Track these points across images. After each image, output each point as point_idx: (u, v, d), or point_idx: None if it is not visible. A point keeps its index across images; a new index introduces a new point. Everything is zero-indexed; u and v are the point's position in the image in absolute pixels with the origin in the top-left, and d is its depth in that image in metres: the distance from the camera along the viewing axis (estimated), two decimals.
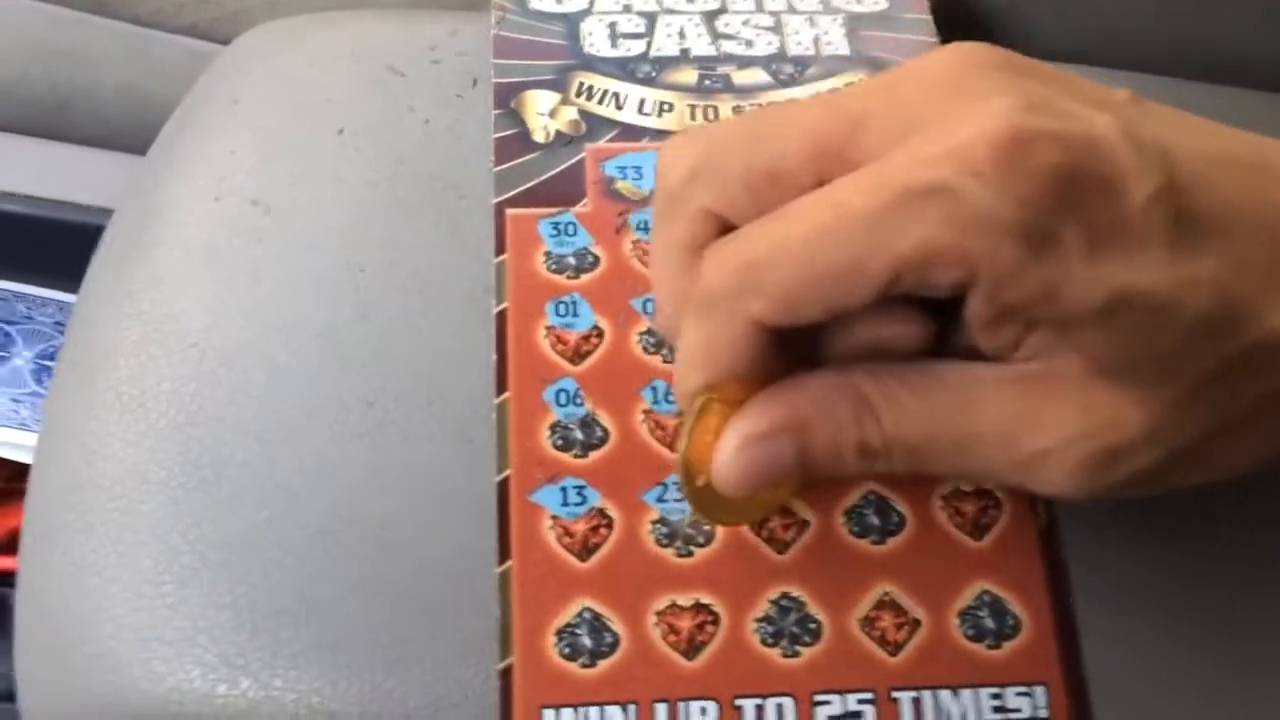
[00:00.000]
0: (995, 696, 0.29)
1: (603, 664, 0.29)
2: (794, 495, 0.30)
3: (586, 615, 0.29)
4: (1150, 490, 0.27)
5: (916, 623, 0.29)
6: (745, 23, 0.39)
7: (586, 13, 0.39)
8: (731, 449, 0.27)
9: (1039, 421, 0.26)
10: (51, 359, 0.62)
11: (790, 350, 0.28)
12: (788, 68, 0.38)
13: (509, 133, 0.36)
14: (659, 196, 0.29)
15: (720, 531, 0.30)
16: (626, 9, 0.39)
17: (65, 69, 0.56)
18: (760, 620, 0.29)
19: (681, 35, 0.38)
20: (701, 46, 0.38)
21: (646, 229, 0.34)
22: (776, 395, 0.27)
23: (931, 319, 0.27)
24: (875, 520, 0.30)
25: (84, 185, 0.56)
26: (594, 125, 0.36)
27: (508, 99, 0.36)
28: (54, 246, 0.57)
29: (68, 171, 0.57)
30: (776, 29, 0.39)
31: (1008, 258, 0.24)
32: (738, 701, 0.29)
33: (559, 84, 0.37)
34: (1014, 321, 0.25)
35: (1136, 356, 0.25)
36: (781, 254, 0.25)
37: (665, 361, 0.32)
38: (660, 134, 0.36)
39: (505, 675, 0.29)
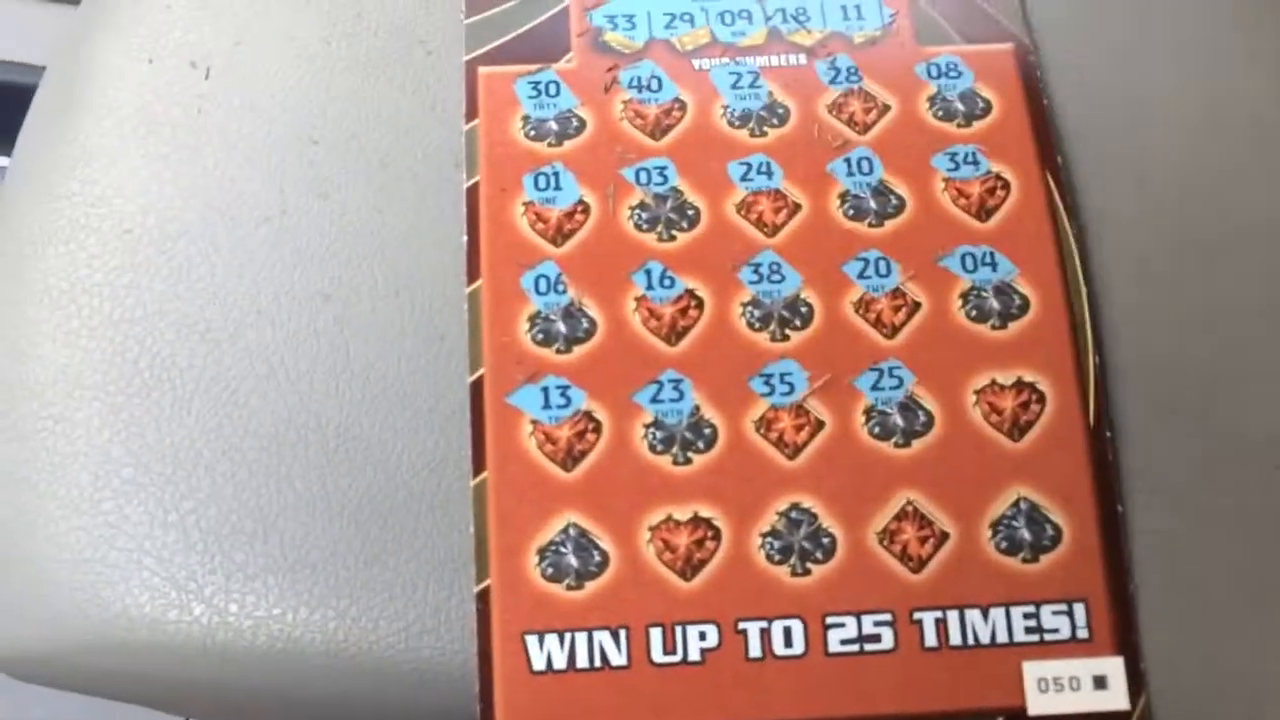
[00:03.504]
0: (1029, 616, 0.26)
1: (590, 586, 0.26)
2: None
3: (572, 532, 0.26)
4: None
5: (943, 535, 0.26)
6: None
7: None
8: None
9: None
10: None
11: None
12: None
13: None
14: None
15: (723, 434, 0.27)
16: None
17: None
18: (767, 535, 0.26)
19: None
20: None
21: (640, 87, 0.30)
22: None
23: None
24: (899, 420, 0.27)
25: (17, 39, 0.51)
26: None
27: None
28: None
29: None
30: None
31: None
32: (741, 625, 0.26)
33: None
34: None
35: None
36: None
37: (660, 240, 0.28)
38: None
39: (482, 598, 0.26)
